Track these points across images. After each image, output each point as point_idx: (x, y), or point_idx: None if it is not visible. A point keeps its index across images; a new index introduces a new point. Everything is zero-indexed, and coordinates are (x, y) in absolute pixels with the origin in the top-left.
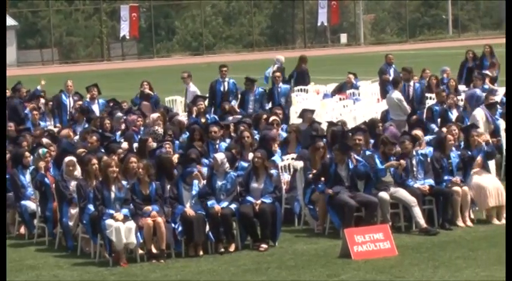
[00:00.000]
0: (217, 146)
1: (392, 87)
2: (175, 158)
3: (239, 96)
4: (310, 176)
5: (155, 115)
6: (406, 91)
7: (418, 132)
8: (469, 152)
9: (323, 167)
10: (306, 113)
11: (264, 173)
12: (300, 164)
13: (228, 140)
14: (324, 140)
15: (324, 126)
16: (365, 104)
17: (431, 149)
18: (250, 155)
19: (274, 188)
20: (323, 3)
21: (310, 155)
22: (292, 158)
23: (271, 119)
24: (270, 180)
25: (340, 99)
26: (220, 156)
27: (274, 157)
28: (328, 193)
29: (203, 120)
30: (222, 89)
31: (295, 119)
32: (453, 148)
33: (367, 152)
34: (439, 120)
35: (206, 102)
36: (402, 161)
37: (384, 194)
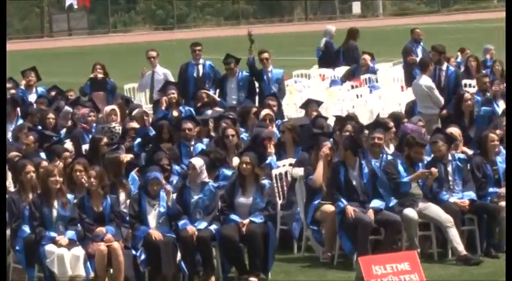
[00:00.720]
0: (191, 148)
1: (420, 72)
2: (126, 157)
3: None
4: (320, 185)
5: (110, 108)
6: (437, 76)
7: (454, 130)
8: None
9: (334, 173)
10: (310, 105)
11: (253, 184)
12: (299, 172)
13: (206, 141)
14: (331, 140)
15: (331, 122)
16: (385, 94)
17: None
18: (236, 160)
19: (266, 204)
20: None
21: (313, 160)
22: (290, 165)
23: (263, 113)
24: (262, 193)
25: (353, 87)
26: (197, 162)
27: (268, 161)
28: (350, 214)
29: (175, 113)
30: (195, 73)
31: (288, 114)
32: (500, 151)
33: (389, 157)
34: None
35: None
36: (434, 169)
37: (410, 212)
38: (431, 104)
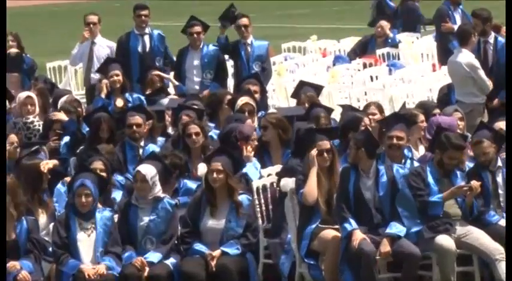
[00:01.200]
0: (140, 151)
1: (458, 45)
2: (48, 164)
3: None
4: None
5: (25, 95)
6: (482, 52)
7: (505, 125)
8: None
9: (342, 181)
10: (304, 90)
11: (226, 200)
12: (289, 184)
13: (160, 141)
14: (336, 140)
15: (337, 115)
16: (410, 75)
17: None
18: (202, 168)
19: (244, 229)
20: None
21: (306, 165)
22: (278, 175)
23: (240, 102)
24: (238, 213)
25: (366, 65)
26: (147, 170)
27: (246, 169)
28: (356, 241)
29: (119, 103)
30: (140, 47)
31: (276, 103)
32: None
33: (415, 163)
34: None
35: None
36: (475, 183)
37: (445, 240)
38: (474, 89)
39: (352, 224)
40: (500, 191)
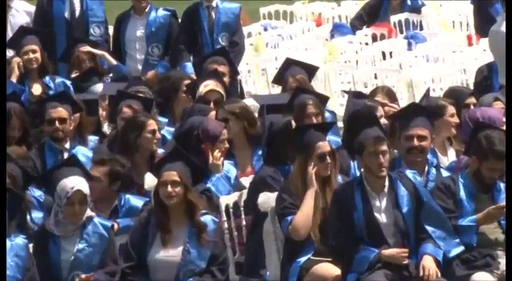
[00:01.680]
0: (65, 154)
1: (502, 11)
2: None
3: (110, 31)
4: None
5: None
6: None
7: None
8: None
9: (341, 206)
10: (291, 71)
11: (183, 223)
12: (270, 201)
13: (92, 140)
14: (339, 139)
15: (335, 105)
16: (436, 50)
17: None
18: (150, 179)
19: (209, 262)
20: None
21: (293, 179)
22: (249, 189)
23: (203, 88)
24: (199, 241)
25: (376, 37)
26: (84, 186)
27: (213, 182)
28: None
29: (36, 90)
30: (66, 13)
31: (251, 89)
32: None
33: (444, 173)
34: None
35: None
36: (502, 204)
37: (484, 279)
38: None
39: (370, 249)
40: None
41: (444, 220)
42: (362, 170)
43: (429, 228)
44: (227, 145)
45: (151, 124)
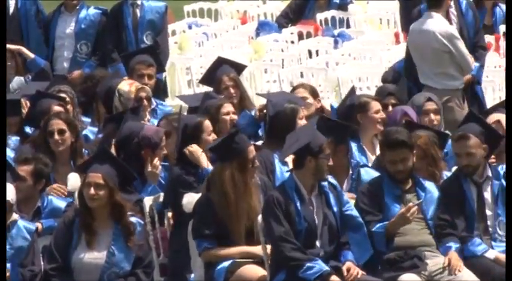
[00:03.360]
0: None
1: (427, 7)
2: None
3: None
4: None
5: None
6: (459, 18)
7: (503, 118)
8: None
9: (276, 206)
10: (222, 70)
11: (108, 225)
12: (192, 202)
13: (13, 140)
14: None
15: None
16: (363, 49)
17: None
18: (74, 180)
19: (134, 264)
20: None
21: (226, 183)
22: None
23: (131, 87)
24: (126, 243)
25: (302, 35)
26: (10, 193)
27: (148, 193)
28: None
29: None
30: None
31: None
32: None
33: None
34: None
35: None
36: (411, 205)
37: (411, 278)
38: (451, 69)
39: (320, 264)
40: (489, 212)
41: (360, 226)
42: (294, 172)
43: (350, 233)
44: (165, 151)
45: (55, 123)
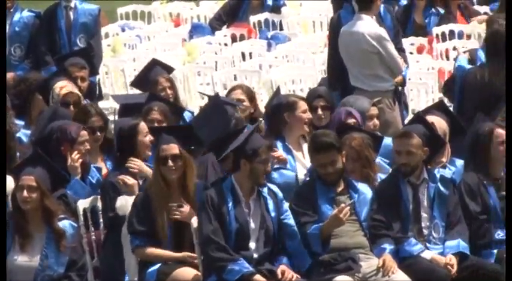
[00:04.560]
0: None
1: (357, 9)
2: None
3: None
4: None
5: None
6: (391, 18)
7: (438, 121)
8: None
9: (210, 210)
10: (155, 71)
11: (41, 228)
12: (125, 204)
13: None
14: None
15: (195, 106)
16: (297, 51)
17: (460, 163)
18: (7, 183)
19: (67, 267)
20: None
21: (154, 182)
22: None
23: (60, 89)
24: (58, 246)
25: (236, 38)
26: None
27: (70, 186)
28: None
29: None
30: None
31: (109, 91)
32: None
33: (299, 173)
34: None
35: None
36: (341, 207)
37: (345, 280)
38: (381, 70)
39: (243, 265)
40: (424, 214)
41: (295, 234)
42: (232, 174)
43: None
44: (88, 147)
45: None
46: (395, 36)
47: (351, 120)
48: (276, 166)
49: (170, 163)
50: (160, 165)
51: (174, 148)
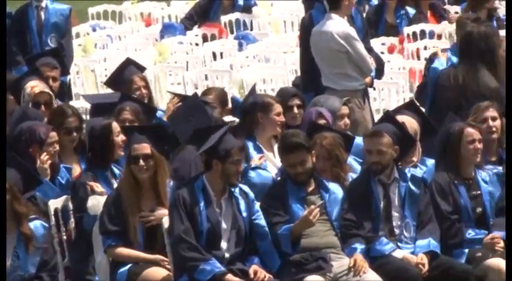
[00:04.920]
0: None
1: (328, 9)
2: None
3: None
4: None
5: None
6: (349, 20)
7: (408, 120)
8: None
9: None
10: (129, 70)
11: (12, 230)
12: (97, 204)
13: None
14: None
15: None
16: (268, 51)
17: (431, 162)
18: None
19: (38, 268)
20: None
21: (125, 182)
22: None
23: (31, 89)
24: (27, 247)
25: (207, 37)
26: None
27: (39, 187)
28: None
29: None
30: None
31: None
32: (484, 160)
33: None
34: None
35: None
36: (311, 209)
37: (316, 280)
38: (349, 69)
39: (214, 265)
40: (395, 214)
41: (266, 235)
42: (204, 174)
43: (257, 242)
44: (57, 148)
45: None
46: (364, 36)
47: (322, 121)
48: (253, 166)
49: (141, 162)
50: (131, 164)
51: (145, 148)
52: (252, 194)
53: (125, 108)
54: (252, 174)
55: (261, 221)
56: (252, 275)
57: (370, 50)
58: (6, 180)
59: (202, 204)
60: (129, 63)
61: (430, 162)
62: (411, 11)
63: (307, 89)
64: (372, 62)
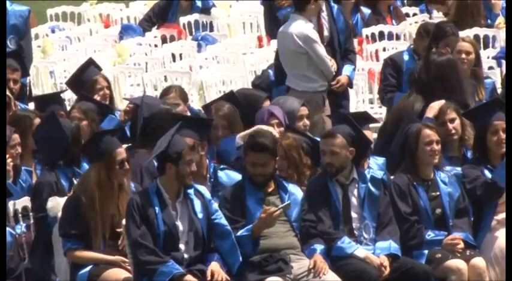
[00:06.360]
0: None
1: (294, 11)
2: None
3: None
4: None
5: None
6: (330, 21)
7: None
8: (488, 170)
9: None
10: (91, 71)
11: None
12: (56, 206)
13: None
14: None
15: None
16: (227, 52)
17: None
18: None
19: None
20: None
21: (91, 183)
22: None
23: None
24: None
25: (166, 39)
26: None
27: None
28: None
29: None
30: None
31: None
32: (443, 163)
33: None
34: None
35: None
36: (266, 209)
37: None
38: (309, 71)
39: (172, 266)
40: (354, 214)
41: (229, 234)
42: (158, 178)
43: (217, 242)
44: (19, 150)
45: None
46: (347, 38)
47: (274, 121)
48: (222, 166)
49: (127, 165)
50: (114, 167)
51: (124, 151)
52: (208, 194)
53: (75, 107)
54: (221, 174)
55: (222, 220)
56: (209, 277)
57: (352, 52)
58: (5, 179)
59: (157, 208)
60: (90, 64)
61: (380, 161)
62: (366, 11)
63: (279, 82)
64: (332, 64)
